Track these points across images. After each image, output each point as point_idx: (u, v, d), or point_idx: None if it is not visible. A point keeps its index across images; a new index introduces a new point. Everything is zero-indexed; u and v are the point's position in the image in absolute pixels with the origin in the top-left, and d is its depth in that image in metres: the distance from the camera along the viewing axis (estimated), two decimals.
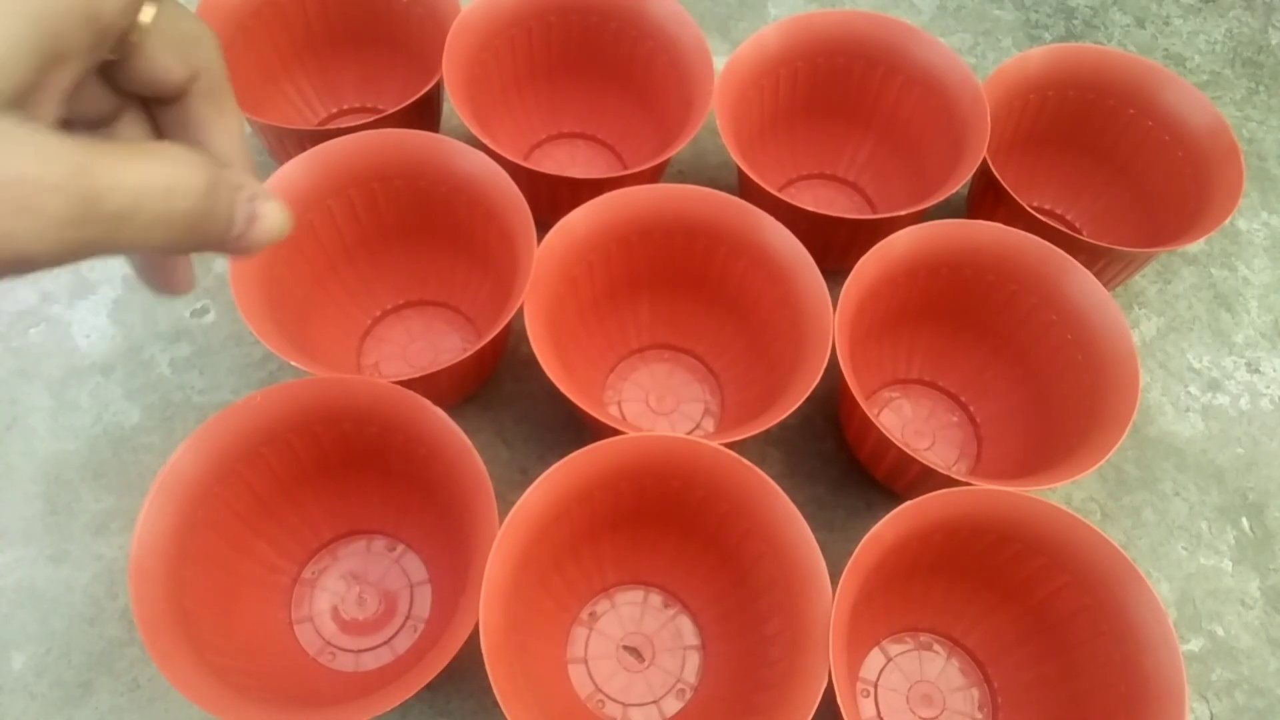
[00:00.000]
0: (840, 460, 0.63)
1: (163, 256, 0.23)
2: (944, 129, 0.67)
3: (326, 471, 0.54)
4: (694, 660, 0.54)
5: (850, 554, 0.45)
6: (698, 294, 0.63)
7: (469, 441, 0.48)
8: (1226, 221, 0.62)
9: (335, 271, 0.62)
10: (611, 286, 0.63)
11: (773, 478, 0.47)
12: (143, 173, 0.18)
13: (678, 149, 0.61)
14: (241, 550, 0.52)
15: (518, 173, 0.58)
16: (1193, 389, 0.68)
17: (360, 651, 0.53)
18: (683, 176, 0.75)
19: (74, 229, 0.17)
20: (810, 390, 0.51)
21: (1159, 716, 0.44)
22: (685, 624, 0.55)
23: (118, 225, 0.18)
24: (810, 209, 0.60)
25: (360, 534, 0.57)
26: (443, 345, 0.65)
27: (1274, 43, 0.89)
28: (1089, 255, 0.61)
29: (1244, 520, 0.63)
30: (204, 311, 0.66)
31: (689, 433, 0.62)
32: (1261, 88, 0.86)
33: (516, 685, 0.44)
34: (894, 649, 0.55)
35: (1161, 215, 0.69)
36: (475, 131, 0.60)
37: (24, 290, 0.66)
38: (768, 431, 0.51)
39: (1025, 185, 0.73)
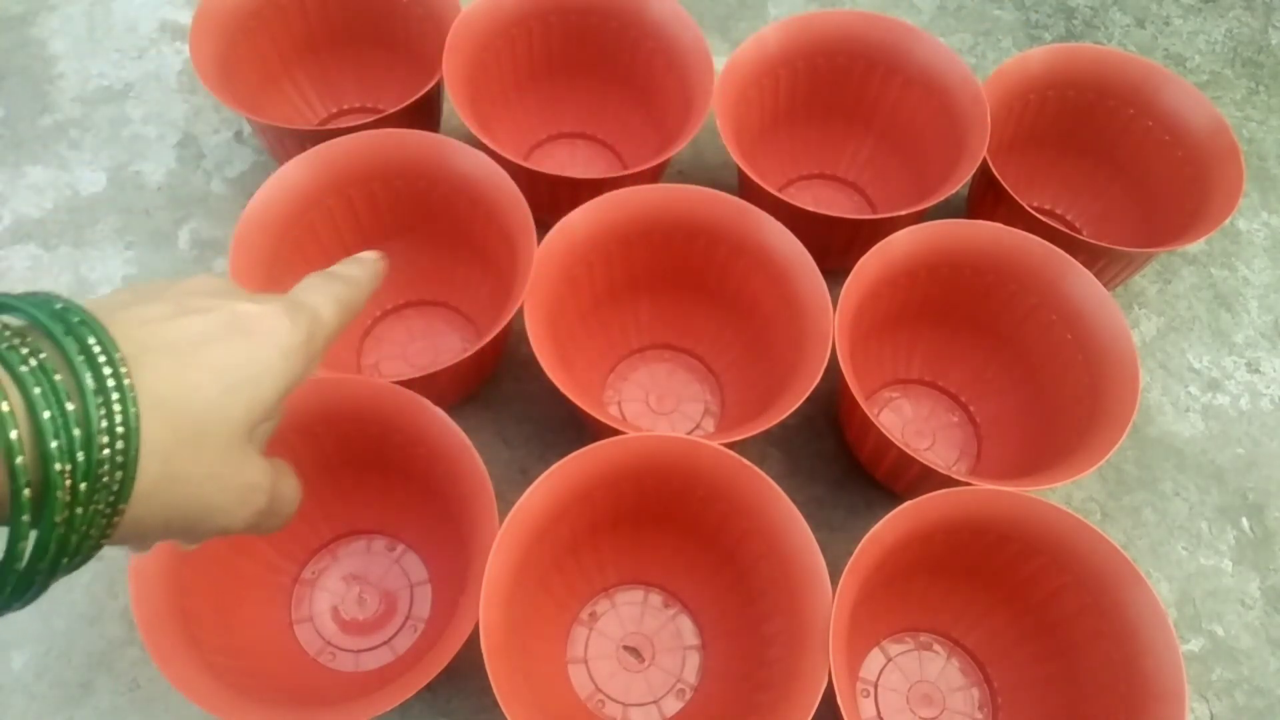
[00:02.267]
0: (840, 460, 0.63)
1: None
2: (944, 129, 0.67)
3: (326, 471, 0.54)
4: (694, 660, 0.54)
5: (850, 554, 0.45)
6: (698, 294, 0.63)
7: (469, 441, 0.48)
8: (1226, 221, 0.62)
9: None
10: (611, 286, 0.63)
11: (773, 478, 0.47)
12: (285, 487, 0.28)
13: (678, 149, 0.61)
14: (241, 550, 0.52)
15: (518, 173, 0.58)
16: (1193, 389, 0.68)
17: (360, 651, 0.53)
18: (683, 176, 0.75)
19: (257, 518, 0.26)
20: (810, 390, 0.51)
21: (1159, 717, 0.44)
22: (685, 624, 0.55)
23: (268, 518, 0.27)
24: (810, 209, 0.60)
25: (360, 534, 0.57)
26: (443, 345, 0.65)
27: (1274, 43, 0.89)
28: (1089, 255, 0.61)
29: (1244, 520, 0.63)
30: None
31: (689, 433, 0.62)
32: (1261, 88, 0.86)
33: (516, 685, 0.44)
34: (894, 649, 0.55)
35: (1161, 215, 0.69)
36: (475, 131, 0.60)
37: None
38: (768, 431, 0.51)
39: (1025, 185, 0.73)
